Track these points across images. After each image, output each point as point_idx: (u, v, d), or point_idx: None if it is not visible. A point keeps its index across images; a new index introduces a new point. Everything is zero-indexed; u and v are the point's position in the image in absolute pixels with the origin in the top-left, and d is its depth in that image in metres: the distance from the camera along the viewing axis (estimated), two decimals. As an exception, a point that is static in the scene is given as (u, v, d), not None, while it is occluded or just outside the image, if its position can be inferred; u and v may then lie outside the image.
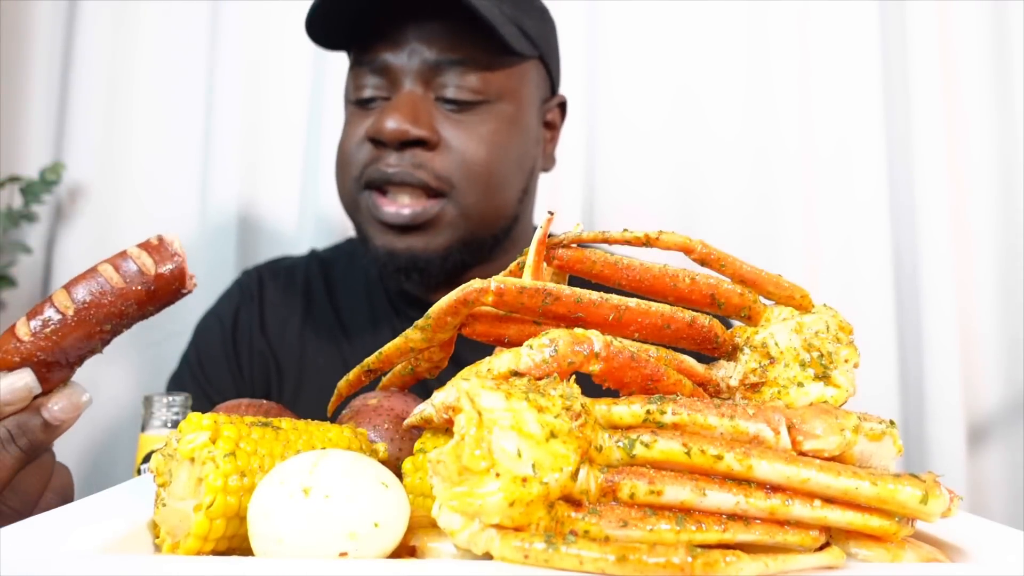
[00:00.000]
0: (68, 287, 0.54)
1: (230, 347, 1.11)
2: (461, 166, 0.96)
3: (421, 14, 0.95)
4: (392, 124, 0.93)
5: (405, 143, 0.94)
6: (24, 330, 0.53)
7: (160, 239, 0.55)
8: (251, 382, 1.09)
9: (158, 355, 1.43)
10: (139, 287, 0.54)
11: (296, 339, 1.11)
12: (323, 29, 1.00)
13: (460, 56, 0.96)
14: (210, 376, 1.10)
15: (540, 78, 1.06)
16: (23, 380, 0.53)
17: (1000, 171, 1.51)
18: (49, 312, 0.53)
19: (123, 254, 0.55)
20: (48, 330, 0.53)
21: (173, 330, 1.42)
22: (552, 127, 1.12)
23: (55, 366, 0.54)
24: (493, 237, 1.03)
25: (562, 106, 1.14)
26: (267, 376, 1.10)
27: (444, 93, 0.96)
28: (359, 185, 0.98)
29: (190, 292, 0.56)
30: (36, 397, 0.55)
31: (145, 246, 0.55)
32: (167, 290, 0.55)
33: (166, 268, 0.54)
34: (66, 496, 0.63)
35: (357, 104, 1.00)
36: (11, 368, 0.53)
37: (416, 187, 0.95)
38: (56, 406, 0.55)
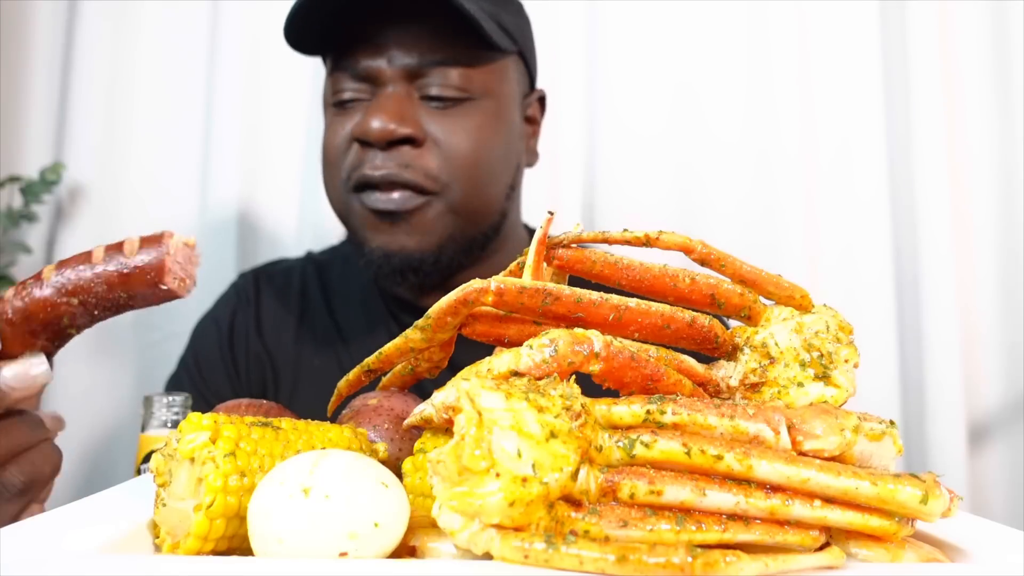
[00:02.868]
0: (62, 261, 0.55)
1: (227, 350, 1.11)
2: (449, 162, 0.95)
3: (400, 15, 0.95)
4: (378, 123, 0.92)
5: (392, 142, 0.94)
6: (10, 292, 0.55)
7: (161, 233, 0.56)
8: (248, 384, 1.10)
9: (158, 355, 1.43)
10: (112, 268, 0.54)
11: (292, 342, 1.11)
12: (300, 34, 0.99)
13: (442, 56, 0.95)
14: (207, 379, 1.10)
15: (519, 73, 1.06)
16: None
17: (1000, 171, 1.51)
18: (33, 279, 0.55)
19: (122, 241, 0.55)
20: (23, 293, 0.54)
21: (172, 330, 1.42)
22: (533, 122, 1.12)
23: (20, 331, 0.54)
24: (483, 235, 1.03)
25: (541, 100, 1.14)
26: (263, 378, 1.10)
27: (428, 91, 0.96)
28: (348, 188, 0.98)
29: (177, 294, 0.55)
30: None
31: (145, 237, 0.56)
32: (141, 279, 0.54)
33: (142, 258, 0.54)
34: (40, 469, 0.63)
35: (337, 107, 1.00)
36: None
37: (406, 186, 0.94)
38: (8, 372, 0.54)
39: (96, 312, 0.55)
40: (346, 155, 0.98)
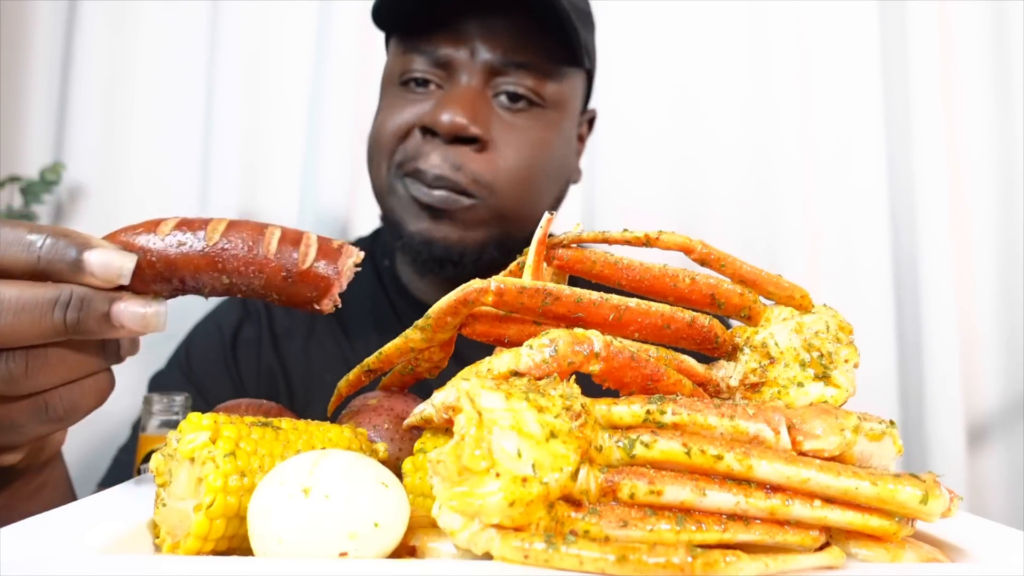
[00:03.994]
0: (232, 224, 0.50)
1: (230, 357, 1.09)
2: (504, 171, 0.94)
3: (485, 10, 0.94)
4: (449, 117, 0.90)
5: (457, 139, 0.92)
6: (165, 229, 0.50)
7: (342, 247, 0.51)
8: (256, 395, 1.09)
9: (158, 355, 1.43)
10: (279, 265, 0.49)
11: (303, 355, 1.09)
12: (391, 16, 0.98)
13: (525, 59, 0.94)
14: (204, 381, 1.07)
15: (583, 90, 1.06)
16: (123, 262, 0.49)
17: (1000, 171, 1.51)
18: (193, 232, 0.50)
19: (299, 235, 0.51)
20: (180, 241, 0.49)
21: (172, 331, 1.41)
22: (580, 140, 1.12)
23: (158, 277, 0.50)
24: (525, 242, 1.02)
25: (591, 121, 1.14)
26: (275, 392, 1.08)
27: (501, 92, 0.95)
28: (397, 173, 0.96)
29: (322, 312, 0.51)
30: (119, 289, 0.50)
31: (324, 241, 0.51)
32: (302, 291, 0.50)
33: (315, 269, 0.50)
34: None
35: (404, 85, 0.98)
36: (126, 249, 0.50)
37: (451, 188, 0.93)
38: (128, 306, 0.49)
39: (238, 294, 0.51)
40: (403, 141, 0.96)
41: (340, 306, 0.52)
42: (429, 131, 0.93)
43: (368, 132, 1.06)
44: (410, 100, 0.97)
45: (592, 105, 1.52)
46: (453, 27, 0.94)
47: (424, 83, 0.96)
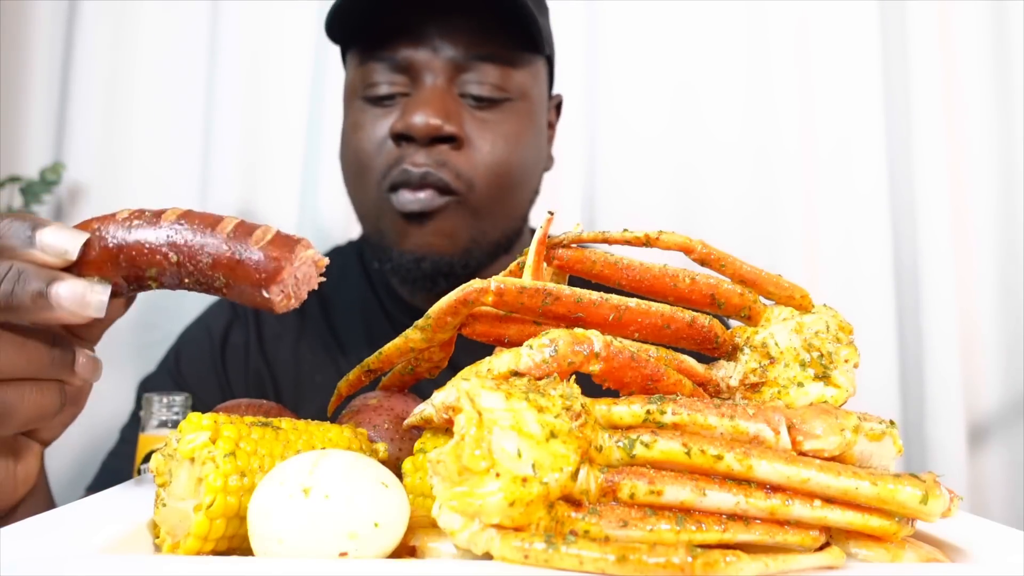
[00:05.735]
0: (187, 211, 0.50)
1: (219, 363, 1.08)
2: (483, 166, 0.94)
3: (442, 8, 0.93)
4: (422, 119, 0.89)
5: (433, 139, 0.91)
6: (123, 215, 0.51)
7: (299, 240, 0.50)
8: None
9: (157, 355, 1.43)
10: (227, 248, 0.49)
11: (292, 358, 1.08)
12: (344, 27, 0.97)
13: (487, 51, 0.94)
14: (193, 386, 1.06)
15: (546, 76, 1.06)
16: (73, 236, 0.48)
17: (1000, 171, 1.51)
18: (152, 214, 0.50)
19: (258, 225, 0.50)
20: (134, 225, 0.50)
21: (172, 330, 1.41)
22: (551, 126, 1.12)
23: (107, 257, 0.49)
24: (507, 238, 1.02)
25: (558, 106, 1.14)
26: (264, 396, 1.07)
27: (468, 89, 0.94)
28: (384, 188, 0.94)
29: (273, 307, 0.49)
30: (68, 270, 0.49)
31: (283, 235, 0.50)
32: (248, 275, 0.48)
33: (262, 255, 0.48)
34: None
35: (369, 101, 0.96)
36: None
37: (434, 186, 0.92)
38: (67, 284, 0.48)
39: (186, 280, 0.50)
40: (380, 154, 0.94)
41: (296, 304, 0.50)
42: (404, 137, 0.92)
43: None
44: (378, 115, 0.95)
45: (591, 103, 1.53)
46: (410, 30, 0.93)
47: (389, 96, 0.95)
